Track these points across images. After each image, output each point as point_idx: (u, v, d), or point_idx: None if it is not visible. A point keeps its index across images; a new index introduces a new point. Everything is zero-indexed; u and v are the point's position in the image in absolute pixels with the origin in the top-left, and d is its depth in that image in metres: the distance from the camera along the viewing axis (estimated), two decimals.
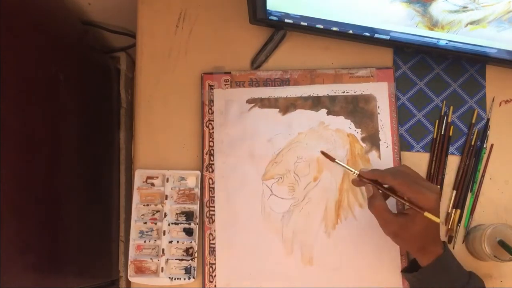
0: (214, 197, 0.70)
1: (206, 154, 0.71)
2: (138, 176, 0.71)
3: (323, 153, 0.63)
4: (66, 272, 0.79)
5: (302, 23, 0.67)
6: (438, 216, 0.55)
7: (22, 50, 0.66)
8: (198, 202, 0.69)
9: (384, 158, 0.69)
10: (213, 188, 0.70)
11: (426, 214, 0.54)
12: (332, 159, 0.62)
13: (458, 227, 0.68)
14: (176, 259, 0.68)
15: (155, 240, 0.69)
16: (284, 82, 0.72)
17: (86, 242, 0.88)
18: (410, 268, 0.63)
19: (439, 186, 0.58)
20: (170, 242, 0.68)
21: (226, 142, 0.71)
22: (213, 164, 0.70)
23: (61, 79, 0.77)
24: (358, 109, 0.71)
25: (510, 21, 0.56)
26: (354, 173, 0.59)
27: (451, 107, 0.71)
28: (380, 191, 0.58)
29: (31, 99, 0.69)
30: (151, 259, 0.68)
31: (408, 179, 0.56)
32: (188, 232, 0.70)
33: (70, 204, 0.81)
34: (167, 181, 0.70)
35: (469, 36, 0.61)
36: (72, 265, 0.81)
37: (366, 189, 0.60)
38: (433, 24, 0.60)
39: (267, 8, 0.65)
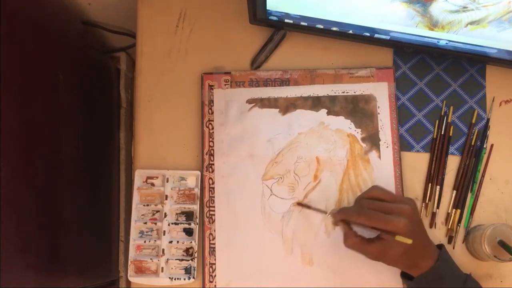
0: (214, 197, 0.70)
1: (206, 154, 0.71)
2: (138, 176, 0.71)
3: (299, 204, 0.67)
4: (66, 272, 0.79)
5: (302, 23, 0.67)
6: (420, 232, 0.56)
7: (22, 50, 0.66)
8: (198, 202, 0.69)
9: (384, 158, 0.69)
10: (213, 188, 0.70)
11: (397, 237, 0.54)
12: (307, 207, 0.66)
13: (458, 227, 0.68)
14: (176, 259, 0.68)
15: (155, 240, 0.69)
16: (284, 82, 0.72)
17: (86, 242, 0.88)
18: (405, 272, 0.62)
19: (412, 200, 0.58)
20: (170, 242, 0.68)
21: (226, 142, 0.71)
22: (213, 164, 0.70)
23: (61, 79, 0.77)
24: (358, 109, 0.71)
25: (510, 21, 0.56)
26: (327, 214, 0.63)
27: (451, 107, 0.71)
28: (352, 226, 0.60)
29: (31, 99, 0.69)
30: (151, 259, 0.68)
31: (372, 213, 0.56)
32: (188, 232, 0.70)
33: (70, 204, 0.81)
34: (167, 181, 0.70)
35: (469, 36, 0.61)
36: (72, 265, 0.81)
37: (340, 228, 0.61)
38: (433, 24, 0.60)
39: (267, 8, 0.65)
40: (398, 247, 0.55)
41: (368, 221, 0.56)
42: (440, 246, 0.61)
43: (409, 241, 0.54)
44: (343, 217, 0.59)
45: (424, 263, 0.57)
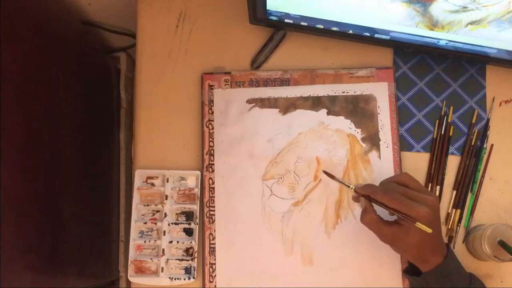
0: (214, 197, 0.70)
1: (206, 154, 0.71)
2: (138, 176, 0.71)
3: (325, 172, 0.63)
4: (66, 272, 0.79)
5: (302, 23, 0.67)
6: (437, 227, 0.55)
7: (22, 50, 0.66)
8: (198, 202, 0.69)
9: (384, 158, 0.69)
10: (213, 188, 0.70)
11: (417, 224, 0.54)
12: (332, 176, 0.62)
13: (458, 227, 0.68)
14: (176, 259, 0.68)
15: (155, 240, 0.69)
16: (284, 82, 0.72)
17: (86, 242, 0.88)
18: (411, 268, 0.63)
19: (437, 196, 0.57)
20: (170, 242, 0.68)
21: (226, 142, 0.71)
22: (213, 164, 0.70)
23: (61, 79, 0.77)
24: (358, 109, 0.71)
25: (510, 21, 0.56)
26: (351, 188, 0.60)
27: (451, 107, 0.71)
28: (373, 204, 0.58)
29: (31, 99, 0.69)
30: (151, 259, 0.68)
31: (398, 195, 0.56)
32: (188, 232, 0.70)
33: (70, 204, 0.81)
34: (167, 181, 0.70)
35: (469, 36, 0.61)
36: (72, 265, 0.81)
37: (360, 203, 0.60)
38: (433, 24, 0.60)
39: (267, 8, 0.65)
40: (414, 236, 0.55)
41: (393, 202, 0.55)
42: (447, 245, 0.61)
43: (429, 230, 0.54)
44: (367, 193, 0.58)
45: (433, 258, 0.57)
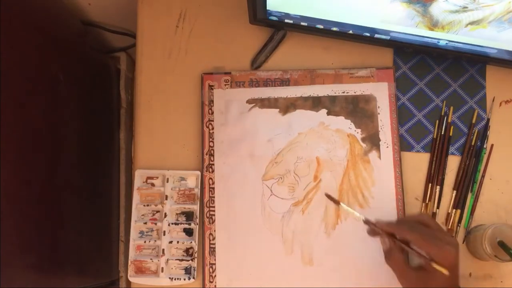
0: (214, 197, 0.70)
1: (206, 154, 0.71)
2: (138, 176, 0.71)
3: (327, 195, 0.62)
4: (66, 272, 0.79)
5: (302, 23, 0.67)
6: (457, 272, 0.54)
7: (22, 50, 0.66)
8: (198, 202, 0.69)
9: (384, 158, 0.69)
10: (213, 188, 0.70)
11: (434, 264, 0.52)
12: (337, 202, 0.61)
13: (458, 227, 0.68)
14: (176, 259, 0.68)
15: (155, 240, 0.69)
16: (284, 82, 0.72)
17: (86, 242, 0.88)
18: None
19: (458, 241, 0.56)
20: (170, 242, 0.68)
21: (226, 142, 0.71)
22: (213, 164, 0.70)
23: (61, 79, 0.77)
24: (358, 109, 0.71)
25: (510, 21, 0.56)
26: (360, 217, 0.58)
27: (451, 107, 0.71)
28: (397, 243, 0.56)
29: (31, 99, 0.69)
30: (151, 259, 0.68)
31: (426, 233, 0.54)
32: (188, 232, 0.70)
33: (70, 204, 0.81)
34: (167, 181, 0.70)
35: (469, 36, 0.61)
36: (72, 265, 0.81)
37: (381, 241, 0.58)
38: (433, 24, 0.60)
39: (267, 8, 0.65)
40: (438, 281, 0.53)
41: (421, 242, 0.53)
42: None
43: (445, 272, 0.52)
44: (393, 230, 0.56)
45: None
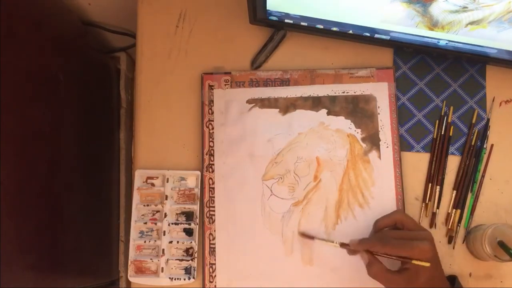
0: (214, 197, 0.70)
1: (206, 154, 0.71)
2: (138, 176, 0.71)
3: (301, 234, 0.67)
4: (66, 272, 0.79)
5: (302, 23, 0.67)
6: (438, 258, 0.56)
7: (22, 50, 0.66)
8: (198, 202, 0.69)
9: (384, 158, 0.69)
10: (213, 188, 0.70)
11: (414, 261, 0.54)
12: (311, 238, 0.66)
13: (458, 227, 0.68)
14: (176, 259, 0.68)
15: (155, 240, 0.69)
16: (284, 82, 0.72)
17: (86, 242, 0.88)
18: None
19: (428, 231, 0.59)
20: (170, 242, 0.68)
21: (226, 142, 0.71)
22: (213, 164, 0.70)
23: (61, 79, 0.77)
24: (358, 109, 0.71)
25: (510, 21, 0.56)
26: (336, 244, 0.61)
27: (451, 107, 0.71)
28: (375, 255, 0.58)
29: (31, 99, 0.69)
30: (151, 259, 0.68)
31: (396, 241, 0.56)
32: (188, 232, 0.70)
33: (70, 204, 0.81)
34: (167, 181, 0.70)
35: (469, 36, 0.61)
36: (72, 265, 0.81)
37: (361, 257, 0.60)
38: (433, 24, 0.60)
39: (267, 8, 0.65)
40: (423, 275, 0.55)
41: (394, 250, 0.55)
42: (453, 277, 0.61)
43: (427, 264, 0.54)
44: (366, 247, 0.58)
45: None
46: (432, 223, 0.68)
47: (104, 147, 1.01)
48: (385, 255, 0.57)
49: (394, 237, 0.57)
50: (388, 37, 0.66)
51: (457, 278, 0.60)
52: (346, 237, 0.67)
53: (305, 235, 0.66)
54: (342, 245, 0.61)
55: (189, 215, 0.70)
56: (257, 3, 0.64)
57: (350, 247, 0.60)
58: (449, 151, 0.70)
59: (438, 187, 0.69)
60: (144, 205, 0.70)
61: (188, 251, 0.69)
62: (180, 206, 0.70)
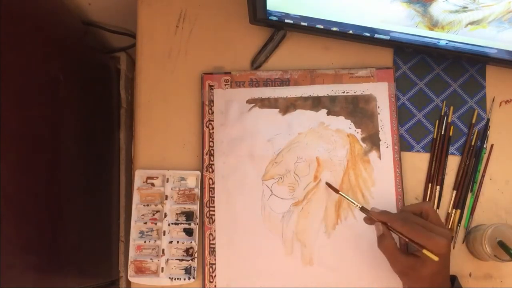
0: (214, 197, 0.70)
1: (206, 154, 0.71)
2: (138, 176, 0.71)
3: (328, 184, 0.67)
4: (66, 272, 0.79)
5: (302, 23, 0.67)
6: (449, 261, 0.56)
7: (22, 50, 0.66)
8: (198, 202, 0.69)
9: (384, 158, 0.69)
10: (213, 188, 0.70)
11: (425, 251, 0.54)
12: (336, 191, 0.66)
13: (458, 227, 0.68)
14: (176, 259, 0.68)
15: (155, 240, 0.69)
16: (284, 82, 0.72)
17: (86, 242, 0.88)
18: None
19: (451, 233, 0.59)
20: (170, 242, 0.68)
21: (226, 142, 0.71)
22: (213, 164, 0.70)
23: (61, 79, 0.77)
24: (358, 109, 0.71)
25: (510, 21, 0.56)
26: (357, 206, 0.62)
27: (451, 107, 0.71)
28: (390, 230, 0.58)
29: (31, 99, 0.69)
30: (151, 259, 0.68)
31: (417, 226, 0.56)
32: (188, 232, 0.70)
33: (70, 204, 0.81)
34: (167, 181, 0.70)
35: (469, 36, 0.61)
36: (72, 265, 0.81)
37: (375, 227, 0.60)
38: (433, 24, 0.60)
39: (267, 8, 0.65)
40: (429, 268, 0.55)
41: (411, 233, 0.55)
42: (453, 278, 0.61)
43: (436, 258, 0.54)
44: (385, 220, 0.58)
45: None
46: None
47: (104, 147, 1.01)
48: (400, 234, 0.57)
49: (416, 222, 0.57)
50: (388, 37, 0.66)
51: (457, 279, 0.60)
52: (346, 238, 0.67)
53: (331, 186, 0.66)
54: (363, 209, 0.62)
55: (189, 215, 0.70)
56: (257, 3, 0.64)
57: (369, 214, 0.61)
58: (449, 151, 0.70)
59: (438, 187, 0.69)
60: (144, 205, 0.70)
61: (188, 251, 0.69)
62: (180, 206, 0.70)
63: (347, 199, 0.64)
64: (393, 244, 0.57)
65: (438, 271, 0.56)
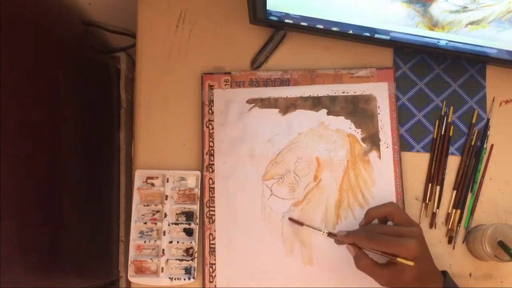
0: (214, 197, 0.70)
1: (206, 154, 0.71)
2: (138, 176, 0.71)
3: (290, 219, 0.68)
4: (66, 272, 0.79)
5: (302, 23, 0.67)
6: (428, 255, 0.57)
7: (22, 50, 0.66)
8: (198, 202, 0.69)
9: (384, 158, 0.69)
10: (213, 188, 0.70)
11: (399, 259, 0.54)
12: (300, 224, 0.67)
13: (458, 227, 0.68)
14: (176, 259, 0.68)
15: (155, 240, 0.69)
16: (284, 82, 0.72)
17: (86, 242, 0.88)
18: None
19: (419, 225, 0.59)
20: (170, 242, 0.68)
21: (226, 142, 0.71)
22: (213, 164, 0.70)
23: (61, 79, 0.77)
24: (358, 109, 0.71)
25: (510, 21, 0.56)
26: (323, 233, 0.64)
27: (451, 107, 0.71)
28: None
29: (31, 99, 0.69)
30: (151, 259, 0.68)
31: (383, 237, 0.56)
32: (188, 232, 0.70)
33: (70, 204, 0.81)
34: (167, 181, 0.70)
35: (469, 36, 0.61)
36: (72, 265, 0.81)
37: (347, 249, 0.60)
38: (433, 24, 0.60)
39: (267, 8, 0.65)
40: (410, 272, 0.55)
41: (380, 246, 0.55)
42: (444, 272, 0.61)
43: (411, 263, 0.54)
44: (352, 241, 0.59)
45: (434, 286, 0.57)
46: (432, 223, 0.68)
47: (104, 147, 1.01)
48: (370, 250, 0.57)
49: (381, 232, 0.57)
50: (388, 37, 0.66)
51: (447, 274, 0.60)
52: None
53: (294, 221, 0.67)
54: (330, 234, 0.62)
55: (189, 215, 0.70)
56: (257, 3, 0.64)
57: (337, 238, 0.61)
58: (449, 151, 0.70)
59: (438, 187, 0.69)
60: (144, 205, 0.70)
61: (188, 251, 0.69)
62: (180, 206, 0.70)
63: (312, 227, 0.66)
64: (368, 262, 0.57)
65: (421, 271, 0.55)
